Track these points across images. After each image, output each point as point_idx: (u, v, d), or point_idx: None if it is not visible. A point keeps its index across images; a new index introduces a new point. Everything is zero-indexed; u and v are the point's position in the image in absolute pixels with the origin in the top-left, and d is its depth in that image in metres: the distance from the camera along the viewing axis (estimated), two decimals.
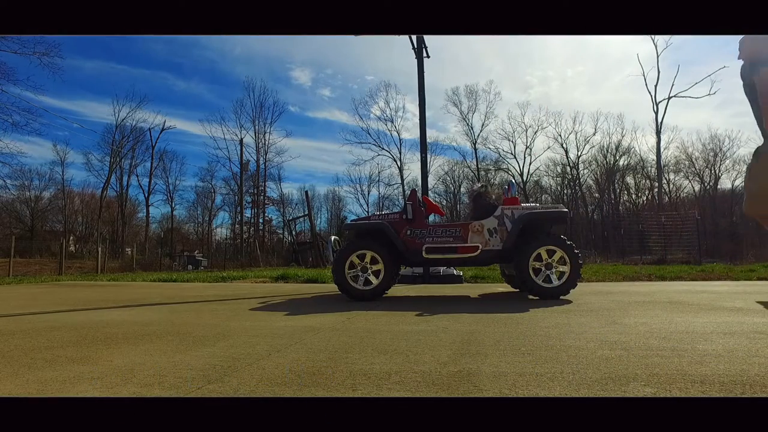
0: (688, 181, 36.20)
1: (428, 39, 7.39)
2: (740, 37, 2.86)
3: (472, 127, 36.96)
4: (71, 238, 31.49)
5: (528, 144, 37.78)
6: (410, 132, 38.66)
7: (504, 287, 5.03)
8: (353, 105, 62.05)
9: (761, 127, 3.48)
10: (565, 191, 37.77)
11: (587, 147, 36.47)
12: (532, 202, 4.20)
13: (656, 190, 33.99)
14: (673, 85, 36.20)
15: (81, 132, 52.93)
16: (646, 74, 33.65)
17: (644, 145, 48.89)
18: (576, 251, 3.51)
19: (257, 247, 23.40)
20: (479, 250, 3.69)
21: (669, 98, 31.90)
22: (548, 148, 38.10)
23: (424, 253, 3.74)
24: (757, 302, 3.07)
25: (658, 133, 32.02)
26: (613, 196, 37.07)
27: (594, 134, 36.52)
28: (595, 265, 10.34)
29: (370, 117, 43.36)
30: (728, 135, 43.71)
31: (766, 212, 3.13)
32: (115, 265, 17.70)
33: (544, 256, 3.52)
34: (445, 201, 37.51)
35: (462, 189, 37.19)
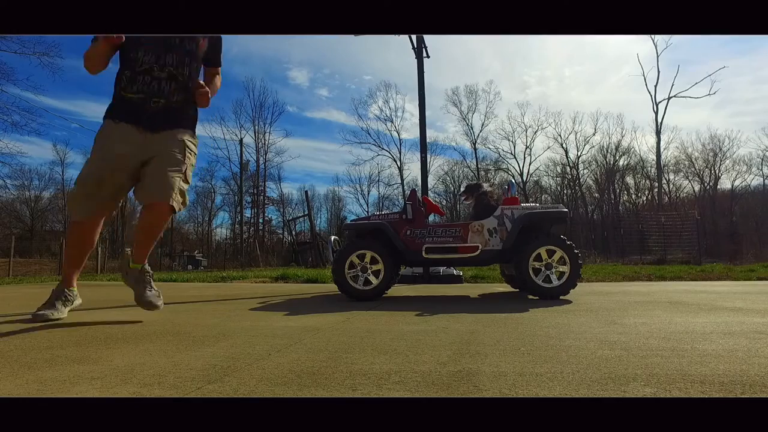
0: (687, 181, 36.28)
1: (426, 39, 7.39)
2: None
3: (471, 127, 37.03)
4: None
5: (528, 144, 37.74)
6: (409, 132, 38.73)
7: (504, 287, 5.03)
8: (352, 105, 62.16)
9: None
10: (565, 191, 37.82)
11: (587, 147, 36.55)
12: (532, 202, 4.20)
13: (656, 190, 34.03)
14: (672, 85, 36.33)
15: (81, 132, 52.96)
16: (645, 74, 33.69)
17: (644, 145, 49.02)
18: (576, 251, 3.51)
19: (257, 247, 23.41)
20: (479, 250, 3.69)
21: (669, 98, 31.96)
22: (548, 148, 38.19)
23: (424, 253, 3.74)
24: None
25: (658, 133, 32.07)
26: (612, 196, 37.11)
27: (594, 134, 36.62)
28: (595, 265, 10.34)
29: (369, 117, 43.42)
30: (728, 135, 43.88)
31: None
32: (114, 265, 17.68)
33: (544, 256, 3.52)
34: (445, 201, 37.53)
35: (462, 189, 37.27)
